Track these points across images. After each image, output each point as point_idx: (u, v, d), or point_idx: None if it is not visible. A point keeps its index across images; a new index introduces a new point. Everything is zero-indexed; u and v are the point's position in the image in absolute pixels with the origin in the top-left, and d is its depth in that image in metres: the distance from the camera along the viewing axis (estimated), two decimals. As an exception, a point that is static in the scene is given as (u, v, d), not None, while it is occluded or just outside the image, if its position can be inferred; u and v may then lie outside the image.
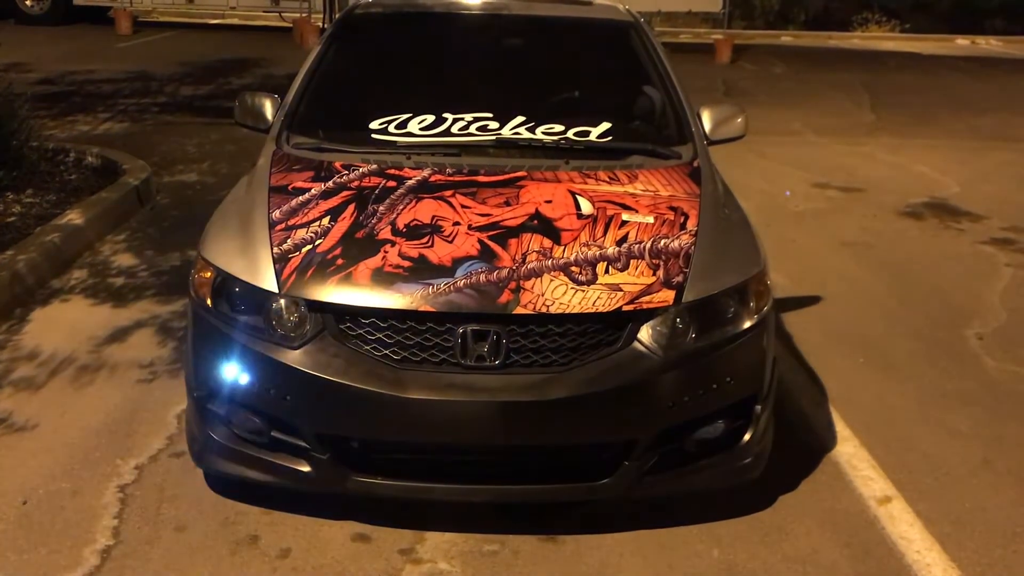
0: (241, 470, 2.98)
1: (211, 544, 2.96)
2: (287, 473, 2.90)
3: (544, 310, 2.76)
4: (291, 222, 3.10)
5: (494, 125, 3.68)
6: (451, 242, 2.97)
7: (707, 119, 3.94)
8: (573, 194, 3.27)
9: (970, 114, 11.29)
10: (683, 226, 3.14)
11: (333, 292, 2.82)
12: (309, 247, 2.96)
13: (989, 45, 19.44)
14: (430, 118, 3.70)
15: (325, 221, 3.09)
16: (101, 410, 3.73)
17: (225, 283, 2.96)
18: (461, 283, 2.80)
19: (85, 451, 3.44)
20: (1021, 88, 13.74)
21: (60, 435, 3.54)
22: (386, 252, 2.92)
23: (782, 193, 7.45)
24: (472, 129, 3.67)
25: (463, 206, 3.16)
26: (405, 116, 3.71)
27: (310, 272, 2.87)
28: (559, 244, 2.98)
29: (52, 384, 3.94)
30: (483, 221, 3.08)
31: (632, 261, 2.94)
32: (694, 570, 2.93)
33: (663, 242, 3.04)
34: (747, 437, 3.03)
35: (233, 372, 2.88)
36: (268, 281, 2.88)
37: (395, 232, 3.03)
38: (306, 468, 2.88)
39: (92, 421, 3.64)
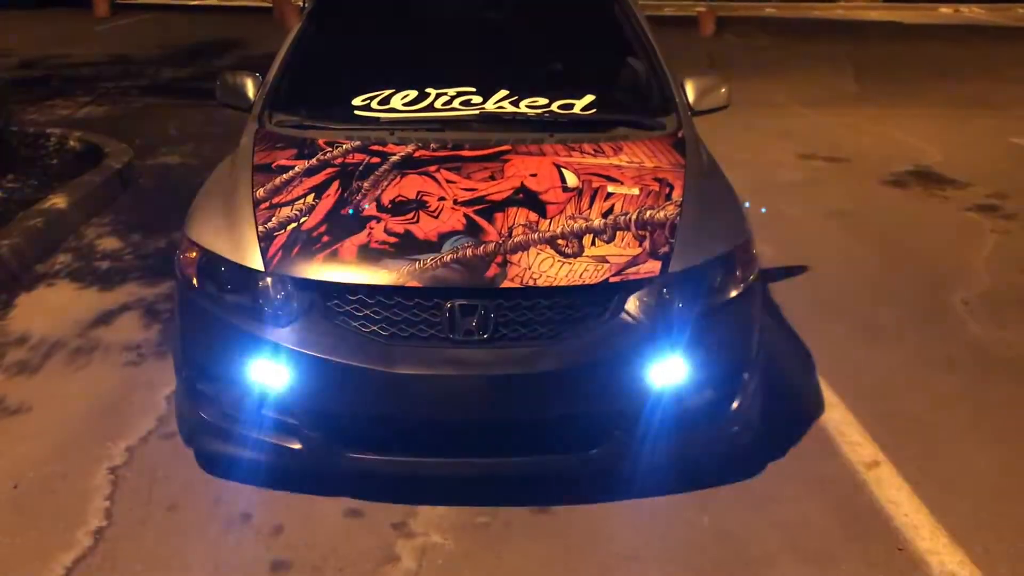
0: (232, 449, 2.98)
1: (203, 523, 2.97)
2: (278, 451, 2.91)
3: (531, 283, 2.76)
4: (275, 200, 3.08)
5: (477, 99, 3.67)
6: (437, 217, 2.96)
7: (691, 90, 3.94)
8: (558, 167, 3.27)
9: (954, 82, 11.32)
10: (668, 197, 3.14)
11: (319, 269, 2.81)
12: (294, 225, 2.95)
13: (972, 13, 19.47)
14: (413, 93, 3.68)
15: (310, 199, 3.08)
16: (91, 393, 3.72)
17: (211, 263, 2.95)
18: (447, 258, 2.80)
19: (75, 434, 3.43)
20: (1004, 55, 13.77)
21: (50, 419, 3.54)
22: (371, 228, 2.92)
23: (768, 164, 7.45)
24: (455, 104, 3.65)
25: (448, 181, 3.15)
26: (388, 92, 3.69)
27: (296, 250, 2.86)
28: (545, 217, 2.98)
29: (40, 368, 3.93)
30: (468, 196, 3.07)
31: (618, 233, 2.95)
32: (685, 538, 2.96)
33: (649, 213, 3.04)
34: (735, 405, 3.04)
35: (221, 352, 2.88)
36: (254, 260, 2.87)
37: (380, 208, 3.02)
38: (297, 446, 2.88)
39: (82, 404, 3.64)
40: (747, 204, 3.34)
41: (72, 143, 6.99)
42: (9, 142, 6.35)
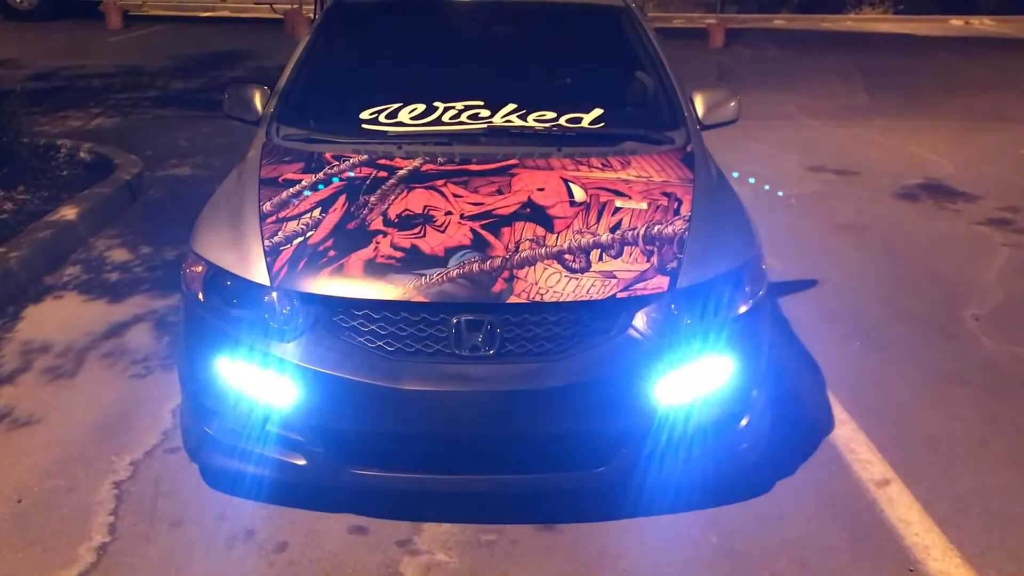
0: (236, 464, 2.96)
1: (207, 539, 2.95)
2: (283, 467, 2.89)
3: (538, 299, 2.74)
4: (282, 214, 3.07)
5: (485, 113, 3.66)
6: (443, 232, 2.95)
7: (700, 104, 3.92)
8: (566, 181, 3.25)
9: (964, 94, 11.25)
10: (677, 212, 3.12)
11: (325, 284, 2.80)
12: (300, 239, 2.94)
13: (983, 25, 19.37)
14: (421, 107, 3.68)
15: (316, 213, 3.07)
16: (96, 406, 3.71)
17: (217, 277, 2.94)
18: (454, 273, 2.79)
19: (80, 448, 3.42)
20: (1015, 68, 13.70)
21: (55, 432, 3.53)
22: (378, 243, 2.90)
23: (777, 178, 7.42)
24: (463, 117, 3.64)
25: (455, 195, 3.14)
26: (395, 106, 3.69)
27: (302, 264, 2.85)
28: (552, 232, 2.96)
29: (46, 381, 3.92)
30: (475, 210, 3.06)
31: (626, 248, 2.93)
32: (693, 557, 2.93)
33: (657, 228, 3.02)
34: (744, 422, 3.01)
35: (226, 366, 2.87)
36: (260, 274, 2.86)
37: (387, 223, 3.01)
38: (302, 461, 2.87)
39: (87, 417, 3.63)
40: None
41: (82, 154, 7.01)
42: (20, 154, 6.35)
